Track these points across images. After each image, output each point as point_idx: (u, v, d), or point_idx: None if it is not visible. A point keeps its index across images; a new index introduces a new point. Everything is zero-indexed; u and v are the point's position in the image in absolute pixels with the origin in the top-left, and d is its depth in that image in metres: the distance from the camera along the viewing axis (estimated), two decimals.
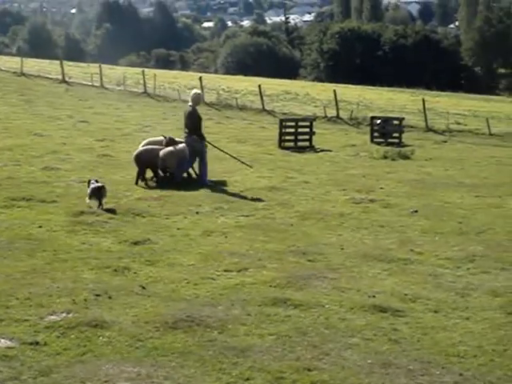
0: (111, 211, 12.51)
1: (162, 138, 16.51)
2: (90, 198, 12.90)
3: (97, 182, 13.13)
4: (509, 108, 43.44)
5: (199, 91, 17.54)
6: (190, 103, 16.20)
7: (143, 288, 8.41)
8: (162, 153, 15.81)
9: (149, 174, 15.89)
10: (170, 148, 15.94)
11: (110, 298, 7.97)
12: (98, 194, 12.88)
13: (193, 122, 16.02)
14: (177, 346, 6.69)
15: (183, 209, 13.11)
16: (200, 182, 15.80)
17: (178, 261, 9.73)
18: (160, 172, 16.11)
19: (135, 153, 16.09)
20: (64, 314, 7.37)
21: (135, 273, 9.09)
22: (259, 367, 6.30)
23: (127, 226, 11.67)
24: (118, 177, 16.19)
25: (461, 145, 27.17)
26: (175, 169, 15.93)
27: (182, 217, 12.51)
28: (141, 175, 15.66)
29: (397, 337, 7.15)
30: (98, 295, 8.01)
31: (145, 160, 15.79)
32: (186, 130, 16.08)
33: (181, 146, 16.01)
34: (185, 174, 16.24)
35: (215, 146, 17.36)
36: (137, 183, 15.52)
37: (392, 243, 11.12)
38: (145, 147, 16.45)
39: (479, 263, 10.08)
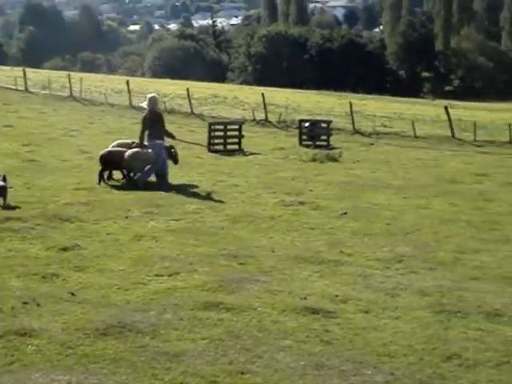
0: (37, 217, 12.27)
1: (131, 141, 16.90)
2: None
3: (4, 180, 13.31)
4: (433, 111, 44.27)
5: (155, 94, 17.55)
6: (147, 107, 16.34)
7: (72, 294, 8.26)
8: (127, 154, 16.05)
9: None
10: (136, 150, 16.09)
11: (38, 305, 7.80)
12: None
13: (154, 125, 16.08)
14: (108, 353, 6.59)
15: (112, 213, 12.96)
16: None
17: (108, 266, 9.59)
18: (125, 173, 16.62)
19: (101, 153, 16.45)
20: None
21: (64, 279, 8.93)
22: (192, 372, 6.25)
23: (55, 231, 11.46)
24: (45, 182, 15.94)
25: (387, 147, 27.58)
26: (140, 172, 16.20)
27: (112, 222, 12.36)
28: (102, 176, 16.12)
29: (329, 338, 7.19)
30: (25, 303, 7.83)
31: (109, 160, 16.19)
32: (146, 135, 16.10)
33: (148, 150, 16.12)
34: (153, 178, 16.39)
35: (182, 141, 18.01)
36: (99, 183, 15.94)
37: (322, 245, 11.20)
38: (111, 148, 16.83)
39: (407, 263, 10.23)
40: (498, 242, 11.80)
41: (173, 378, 6.12)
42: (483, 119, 38.47)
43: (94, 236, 11.27)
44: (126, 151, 16.21)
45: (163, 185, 15.87)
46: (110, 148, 16.97)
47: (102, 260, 9.87)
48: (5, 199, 13.14)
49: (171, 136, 17.13)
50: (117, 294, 8.39)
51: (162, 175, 16.22)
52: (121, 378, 6.08)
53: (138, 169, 16.18)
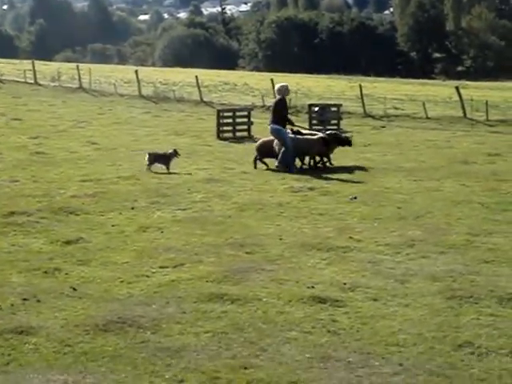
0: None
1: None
2: None
3: None
4: (444, 91, 43.80)
5: (285, 83, 18.37)
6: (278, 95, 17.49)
7: (74, 289, 8.08)
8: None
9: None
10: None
11: (38, 301, 7.63)
12: None
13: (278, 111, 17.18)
14: (107, 350, 6.39)
15: (118, 205, 12.77)
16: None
17: (112, 259, 9.41)
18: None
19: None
20: None
21: (66, 274, 8.74)
22: (193, 368, 6.05)
23: (59, 225, 11.28)
24: (52, 174, 15.76)
25: (399, 129, 27.26)
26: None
27: (117, 213, 12.17)
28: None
29: (336, 328, 6.98)
30: (25, 299, 7.65)
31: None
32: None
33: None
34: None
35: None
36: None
37: (331, 231, 10.96)
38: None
39: (418, 248, 9.99)
40: None
41: (173, 375, 5.93)
42: (495, 99, 37.95)
43: (99, 228, 11.08)
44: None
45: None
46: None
47: (106, 253, 9.69)
48: None
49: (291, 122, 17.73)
50: (119, 288, 8.20)
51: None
52: (119, 376, 5.89)
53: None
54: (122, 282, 8.44)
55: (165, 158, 16.49)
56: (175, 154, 16.67)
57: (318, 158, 17.64)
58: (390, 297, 7.92)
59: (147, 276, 8.68)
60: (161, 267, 9.03)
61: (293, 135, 17.26)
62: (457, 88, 32.03)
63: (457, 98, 31.73)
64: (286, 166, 16.71)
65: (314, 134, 17.86)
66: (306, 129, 19.33)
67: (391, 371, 6.04)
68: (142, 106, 34.24)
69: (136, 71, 39.42)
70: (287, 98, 18.21)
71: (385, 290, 8.15)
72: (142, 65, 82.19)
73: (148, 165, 16.35)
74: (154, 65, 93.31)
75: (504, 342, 6.64)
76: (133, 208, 12.54)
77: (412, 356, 6.35)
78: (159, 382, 5.83)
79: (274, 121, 17.18)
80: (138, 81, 38.35)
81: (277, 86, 18.19)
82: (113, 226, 11.27)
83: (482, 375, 6.01)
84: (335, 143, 17.85)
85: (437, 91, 46.39)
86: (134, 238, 10.53)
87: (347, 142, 18.26)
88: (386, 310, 7.53)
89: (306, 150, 17.40)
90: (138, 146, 20.89)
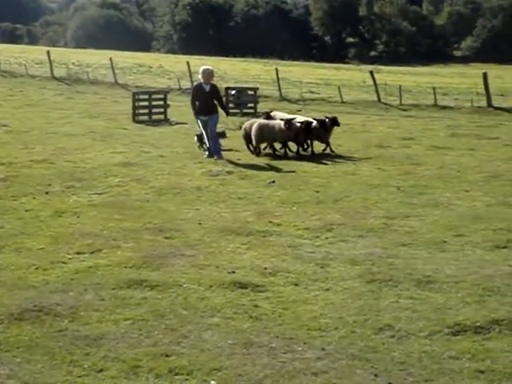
0: None
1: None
2: None
3: None
4: (358, 76, 44.32)
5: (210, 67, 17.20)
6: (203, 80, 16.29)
7: None
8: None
9: None
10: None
11: None
12: None
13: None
14: (23, 339, 6.17)
15: (32, 189, 12.42)
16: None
17: (26, 245, 9.11)
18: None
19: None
20: None
21: None
22: (113, 356, 5.90)
23: None
24: None
25: (315, 113, 27.35)
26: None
27: (31, 197, 11.83)
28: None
29: (258, 313, 6.91)
30: None
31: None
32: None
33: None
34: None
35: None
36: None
37: (250, 215, 10.90)
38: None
39: (337, 232, 10.02)
40: (427, 206, 11.70)
41: (93, 364, 5.76)
42: (408, 83, 38.62)
43: (12, 213, 10.74)
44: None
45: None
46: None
47: (20, 238, 9.38)
48: None
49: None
50: (35, 275, 7.94)
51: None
52: (36, 367, 5.69)
53: None
54: (37, 268, 8.18)
55: None
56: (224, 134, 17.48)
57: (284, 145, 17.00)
58: (310, 281, 7.91)
59: (63, 262, 8.44)
60: (77, 253, 8.80)
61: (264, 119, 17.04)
62: (371, 72, 32.42)
63: (371, 83, 32.15)
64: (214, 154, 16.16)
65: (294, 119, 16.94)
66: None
67: (314, 356, 6.02)
68: (55, 87, 33.53)
69: (48, 52, 38.54)
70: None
71: (305, 274, 8.14)
72: (54, 45, 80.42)
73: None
74: (66, 45, 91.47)
75: (423, 324, 6.71)
76: (47, 192, 12.22)
77: (334, 340, 6.35)
78: (78, 371, 5.65)
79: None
80: (50, 62, 37.51)
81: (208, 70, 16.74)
82: (26, 210, 10.94)
83: (403, 358, 6.05)
84: (333, 126, 17.44)
85: (351, 75, 46.93)
86: (49, 223, 10.24)
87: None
88: (307, 294, 7.51)
89: (271, 137, 16.76)
90: (51, 128, 20.43)
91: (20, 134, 19.11)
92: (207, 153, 16.24)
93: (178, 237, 9.60)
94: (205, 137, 16.36)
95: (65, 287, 7.53)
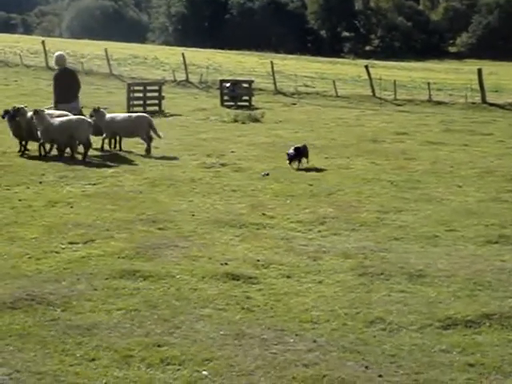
0: None
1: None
2: None
3: None
4: (353, 70, 44.31)
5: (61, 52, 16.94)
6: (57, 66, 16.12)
7: None
8: None
9: None
10: None
11: None
12: None
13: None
14: (15, 328, 6.19)
15: (25, 179, 12.43)
16: None
17: (20, 234, 9.12)
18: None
19: None
20: None
21: None
22: (106, 346, 5.92)
23: None
24: None
25: (309, 107, 27.44)
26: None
27: (25, 187, 11.84)
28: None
29: (250, 305, 6.95)
30: None
31: None
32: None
33: None
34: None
35: None
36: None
37: (244, 208, 10.93)
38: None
39: (330, 225, 10.05)
40: (420, 201, 11.73)
41: (85, 353, 5.78)
42: (403, 78, 38.60)
43: (5, 203, 10.75)
44: None
45: None
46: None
47: (13, 228, 9.40)
48: None
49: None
50: (27, 264, 7.95)
51: None
52: (28, 355, 5.71)
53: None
54: (30, 258, 8.19)
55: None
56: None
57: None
58: (303, 274, 7.94)
59: (57, 252, 8.46)
60: (71, 243, 8.82)
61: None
62: (366, 67, 32.43)
63: (366, 77, 32.15)
64: None
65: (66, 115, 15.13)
66: None
67: (305, 348, 6.05)
68: (49, 77, 33.21)
69: (43, 42, 38.45)
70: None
71: (298, 266, 8.17)
72: (49, 35, 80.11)
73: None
74: (61, 36, 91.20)
75: (414, 318, 6.75)
76: (41, 182, 12.23)
77: (325, 333, 6.38)
78: (70, 360, 5.68)
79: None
80: (45, 52, 37.39)
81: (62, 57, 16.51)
82: (20, 200, 10.94)
83: (394, 351, 6.09)
84: None
85: (346, 70, 46.92)
86: (43, 212, 10.25)
87: None
88: (299, 286, 7.55)
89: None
90: None
91: None
92: None
93: (171, 228, 9.62)
94: None
95: (58, 277, 7.55)
